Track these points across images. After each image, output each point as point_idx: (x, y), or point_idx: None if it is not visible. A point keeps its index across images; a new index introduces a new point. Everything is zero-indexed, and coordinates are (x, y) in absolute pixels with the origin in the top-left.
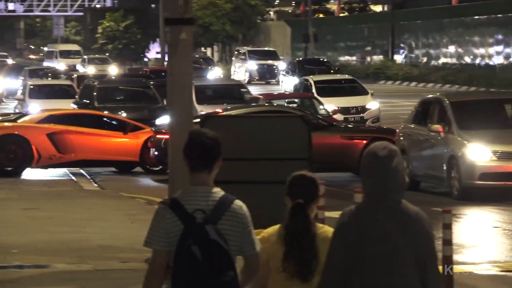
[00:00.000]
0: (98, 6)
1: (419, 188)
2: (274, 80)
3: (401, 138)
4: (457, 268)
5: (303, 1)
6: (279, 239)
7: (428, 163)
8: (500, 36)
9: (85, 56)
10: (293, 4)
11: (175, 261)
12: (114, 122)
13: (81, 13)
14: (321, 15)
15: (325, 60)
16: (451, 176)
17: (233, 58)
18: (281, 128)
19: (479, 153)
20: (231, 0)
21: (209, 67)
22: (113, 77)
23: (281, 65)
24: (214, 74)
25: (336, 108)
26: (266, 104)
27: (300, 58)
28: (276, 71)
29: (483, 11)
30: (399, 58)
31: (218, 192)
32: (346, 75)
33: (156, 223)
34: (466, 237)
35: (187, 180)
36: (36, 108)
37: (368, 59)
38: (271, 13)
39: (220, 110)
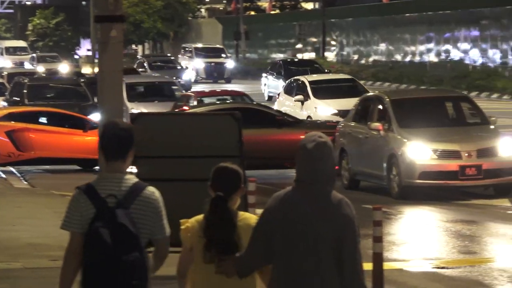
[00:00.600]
0: (28, 3)
1: (359, 187)
2: (222, 79)
3: (341, 136)
4: (388, 265)
5: None
6: (201, 230)
7: (368, 161)
8: (430, 34)
9: (34, 54)
10: (224, 2)
11: (85, 242)
12: (74, 120)
13: (11, 10)
14: (252, 13)
15: (313, 60)
16: (391, 175)
17: (179, 56)
18: (212, 126)
19: (419, 151)
20: None
21: (185, 68)
22: (43, 75)
23: (229, 63)
24: (189, 74)
25: (336, 112)
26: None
27: (287, 59)
28: (224, 70)
29: (414, 9)
30: (330, 55)
31: (132, 179)
32: (344, 75)
33: (72, 207)
34: (400, 235)
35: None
36: None
37: (299, 56)
38: (203, 10)
39: (187, 108)
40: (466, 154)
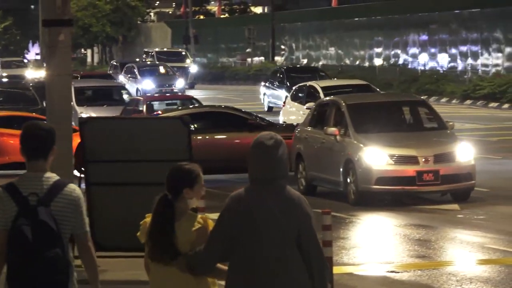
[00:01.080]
0: None
1: (316, 193)
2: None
3: (297, 141)
4: (339, 269)
5: (183, 2)
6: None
7: (325, 167)
8: (379, 38)
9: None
10: (174, 6)
11: (9, 239)
12: None
13: None
14: (201, 17)
15: (317, 66)
16: (348, 181)
17: (142, 61)
18: (162, 130)
19: (375, 157)
20: (111, 1)
21: (177, 75)
22: None
23: (192, 67)
24: (181, 82)
25: None
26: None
27: (288, 66)
28: (187, 75)
29: (363, 13)
30: (280, 59)
31: (53, 177)
32: (359, 80)
33: None
34: (353, 240)
35: (65, 176)
36: None
37: (249, 60)
38: (152, 14)
39: (160, 112)
40: (423, 160)
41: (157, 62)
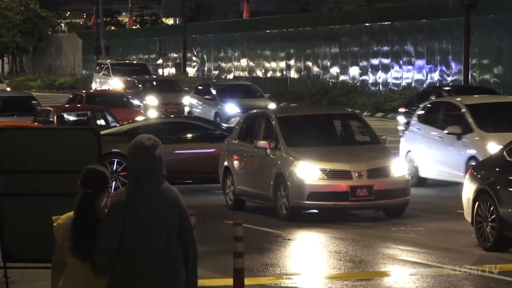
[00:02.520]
0: None
1: (244, 208)
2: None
3: (225, 155)
4: (250, 280)
5: (94, 13)
6: (70, 225)
7: (254, 181)
8: (291, 50)
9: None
10: (84, 16)
11: None
12: None
13: None
14: (113, 28)
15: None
16: (278, 195)
17: (93, 73)
18: (72, 141)
19: (307, 171)
20: (22, 11)
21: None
22: None
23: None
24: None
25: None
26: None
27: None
28: None
29: (274, 25)
30: (191, 71)
31: None
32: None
33: None
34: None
35: None
36: None
37: (160, 71)
38: (63, 25)
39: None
40: (357, 174)
41: (242, 82)
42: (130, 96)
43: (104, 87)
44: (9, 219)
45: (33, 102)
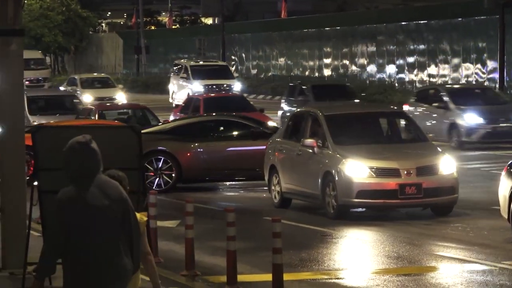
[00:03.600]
0: None
1: (290, 206)
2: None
3: (271, 153)
4: (288, 276)
5: (134, 13)
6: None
7: (301, 179)
8: (328, 49)
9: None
10: (125, 16)
11: None
12: None
13: None
14: (152, 27)
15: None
16: (326, 194)
17: (170, 75)
18: (113, 138)
19: (356, 169)
20: (63, 12)
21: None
22: None
23: (236, 85)
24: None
25: None
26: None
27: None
28: None
29: (311, 24)
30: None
31: None
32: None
33: None
34: (300, 246)
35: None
36: None
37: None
38: (103, 25)
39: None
40: (405, 172)
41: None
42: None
43: (184, 91)
44: (50, 216)
45: (75, 100)
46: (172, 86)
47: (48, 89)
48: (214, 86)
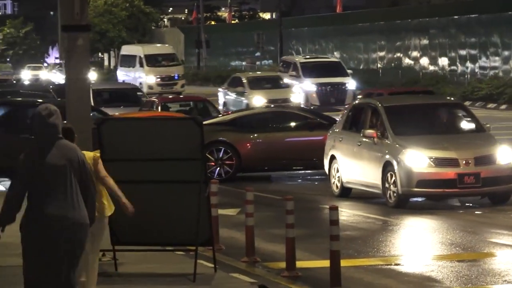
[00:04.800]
0: None
1: (350, 195)
2: (342, 107)
3: (331, 143)
4: (345, 262)
5: (195, 9)
6: None
7: (361, 169)
8: (382, 42)
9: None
10: (186, 12)
11: None
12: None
13: None
14: (213, 22)
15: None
16: (387, 183)
17: (278, 73)
18: (175, 130)
19: (416, 159)
20: (126, 8)
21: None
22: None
23: (351, 83)
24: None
25: None
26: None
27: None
28: (345, 94)
29: (366, 18)
30: None
31: None
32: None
33: None
34: (358, 234)
35: None
36: None
37: (258, 64)
38: (165, 20)
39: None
40: (464, 162)
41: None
42: None
43: (295, 90)
44: (115, 204)
45: (138, 93)
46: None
47: (122, 83)
48: (328, 86)
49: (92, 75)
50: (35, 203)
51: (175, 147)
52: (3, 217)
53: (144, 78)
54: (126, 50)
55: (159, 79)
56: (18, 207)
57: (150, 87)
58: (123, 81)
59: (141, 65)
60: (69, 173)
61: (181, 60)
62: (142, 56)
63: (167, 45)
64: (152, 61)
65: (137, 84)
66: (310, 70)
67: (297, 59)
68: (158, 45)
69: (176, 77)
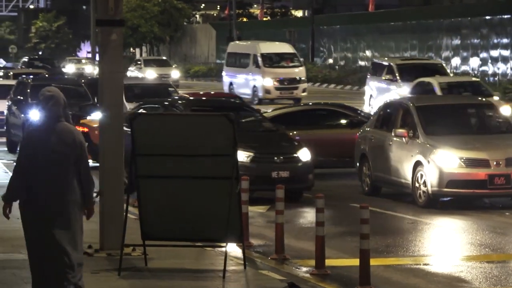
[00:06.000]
0: (31, 6)
1: (380, 194)
2: None
3: (362, 142)
4: (375, 261)
5: (227, 5)
6: None
7: (391, 168)
8: (414, 42)
9: (141, 58)
10: (218, 8)
11: None
12: None
13: (15, 13)
14: (244, 19)
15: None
16: (417, 183)
17: (367, 76)
18: (208, 126)
19: (446, 159)
20: (159, 3)
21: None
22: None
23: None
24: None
25: None
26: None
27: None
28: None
29: (398, 18)
30: (319, 60)
31: None
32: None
33: None
34: (388, 233)
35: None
36: None
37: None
38: (197, 16)
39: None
40: (495, 163)
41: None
42: None
43: (387, 96)
44: (145, 199)
45: (169, 89)
46: (370, 89)
47: (156, 78)
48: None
49: (132, 72)
50: (34, 183)
51: (207, 143)
52: (8, 195)
53: (260, 80)
54: (235, 47)
55: (277, 82)
56: (21, 187)
57: (267, 91)
58: (230, 83)
59: (257, 66)
60: (66, 155)
61: (302, 61)
62: (258, 55)
63: (286, 43)
64: (270, 61)
65: (251, 87)
66: (408, 73)
67: (391, 61)
68: (277, 43)
69: (297, 80)
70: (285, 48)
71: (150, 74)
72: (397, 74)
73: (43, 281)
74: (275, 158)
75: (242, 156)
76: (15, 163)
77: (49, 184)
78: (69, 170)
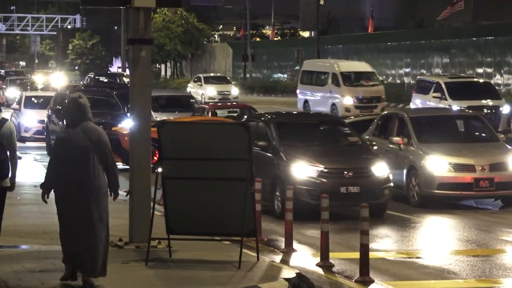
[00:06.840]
0: (69, 26)
1: None
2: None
3: None
4: (373, 255)
5: (242, 26)
6: None
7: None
8: (408, 60)
9: (200, 75)
10: (234, 29)
11: None
12: None
13: (54, 32)
14: (258, 39)
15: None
16: (410, 185)
17: (413, 93)
18: (226, 133)
19: (437, 164)
20: (182, 24)
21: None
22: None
23: (505, 107)
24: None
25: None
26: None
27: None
28: (499, 119)
29: (394, 38)
30: None
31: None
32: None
33: None
34: (385, 230)
35: (144, 172)
36: (30, 117)
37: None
38: (216, 36)
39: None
40: (480, 168)
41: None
42: None
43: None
44: (171, 198)
45: (191, 100)
46: (415, 106)
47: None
48: (481, 110)
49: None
50: (66, 171)
51: (226, 148)
52: (46, 183)
53: (340, 99)
54: (311, 65)
55: (357, 101)
56: (55, 176)
57: (347, 109)
58: (305, 100)
59: (336, 84)
60: (91, 151)
61: (380, 80)
62: (338, 73)
63: (364, 62)
64: (349, 79)
65: (329, 105)
66: (457, 91)
67: (439, 79)
68: (356, 62)
69: (376, 99)
70: (363, 67)
71: (210, 91)
72: (446, 93)
73: (74, 237)
74: (345, 173)
75: (310, 171)
76: (49, 156)
77: (77, 172)
78: (94, 161)
